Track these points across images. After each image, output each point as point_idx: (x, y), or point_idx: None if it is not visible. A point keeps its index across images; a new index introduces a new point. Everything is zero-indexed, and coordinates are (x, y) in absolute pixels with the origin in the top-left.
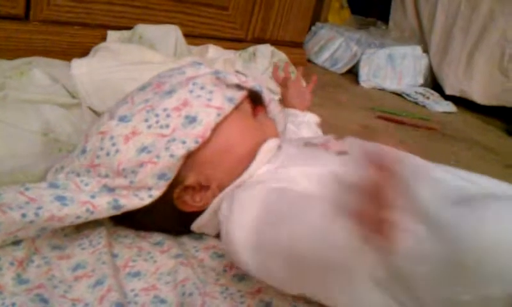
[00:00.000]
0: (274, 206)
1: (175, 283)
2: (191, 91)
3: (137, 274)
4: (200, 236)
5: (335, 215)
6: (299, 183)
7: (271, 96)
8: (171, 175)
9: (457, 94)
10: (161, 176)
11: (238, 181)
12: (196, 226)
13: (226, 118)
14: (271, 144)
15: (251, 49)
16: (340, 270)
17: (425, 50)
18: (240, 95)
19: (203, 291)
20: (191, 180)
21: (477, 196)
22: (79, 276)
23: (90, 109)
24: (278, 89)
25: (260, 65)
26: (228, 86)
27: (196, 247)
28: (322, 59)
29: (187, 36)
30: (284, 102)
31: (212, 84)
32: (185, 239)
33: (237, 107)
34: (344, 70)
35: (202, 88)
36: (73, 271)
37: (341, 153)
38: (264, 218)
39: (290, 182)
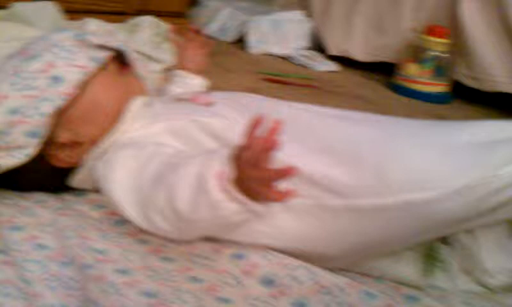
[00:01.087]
0: (147, 167)
1: (55, 231)
2: (56, 54)
3: (18, 228)
4: (82, 192)
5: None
6: (166, 140)
7: (135, 57)
8: (42, 133)
9: (339, 54)
10: (33, 135)
11: (109, 138)
12: (74, 182)
13: (92, 77)
14: (138, 101)
15: (133, 21)
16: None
17: (309, 15)
18: (104, 55)
19: (84, 235)
20: (63, 137)
21: None
22: None
23: None
24: (163, 57)
25: (143, 36)
26: (93, 47)
27: (78, 201)
28: (212, 29)
29: (66, 12)
30: (178, 64)
31: (75, 46)
32: (68, 196)
33: (103, 67)
34: (234, 38)
35: (66, 50)
36: None
37: (208, 104)
38: (139, 178)
39: (157, 140)
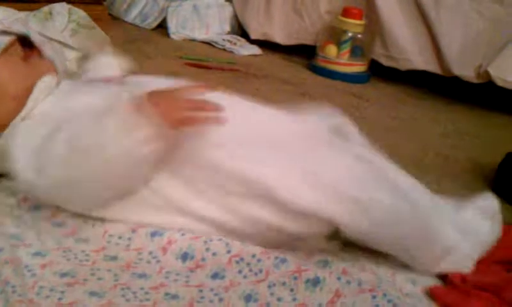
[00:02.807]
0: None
1: None
2: None
3: None
4: None
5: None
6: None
7: (42, 39)
8: None
9: (261, 38)
10: None
11: (16, 119)
12: None
13: None
14: (45, 80)
15: (46, 9)
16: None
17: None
18: (6, 40)
19: None
20: None
21: None
22: None
23: None
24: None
25: (58, 24)
26: None
27: None
28: (132, 16)
29: None
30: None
31: None
32: None
33: (6, 51)
34: (154, 24)
35: None
36: None
37: (121, 82)
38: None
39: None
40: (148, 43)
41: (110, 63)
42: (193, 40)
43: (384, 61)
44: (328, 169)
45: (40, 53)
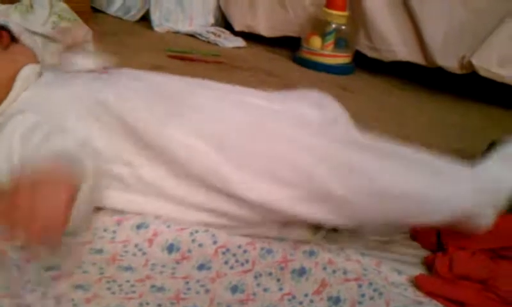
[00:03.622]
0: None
1: None
2: None
3: None
4: None
5: None
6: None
7: (20, 29)
8: None
9: (245, 29)
10: None
11: (1, 106)
12: None
13: None
14: (27, 70)
15: (27, 1)
16: None
17: None
18: None
19: None
20: None
21: None
22: None
23: None
24: (59, 37)
25: (40, 16)
26: None
27: None
28: (115, 8)
29: None
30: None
31: None
32: None
33: None
34: (137, 17)
35: None
36: None
37: (104, 72)
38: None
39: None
40: (131, 36)
41: (90, 58)
42: (177, 32)
43: (369, 52)
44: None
45: (20, 43)
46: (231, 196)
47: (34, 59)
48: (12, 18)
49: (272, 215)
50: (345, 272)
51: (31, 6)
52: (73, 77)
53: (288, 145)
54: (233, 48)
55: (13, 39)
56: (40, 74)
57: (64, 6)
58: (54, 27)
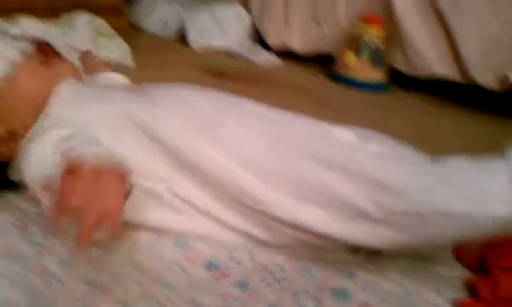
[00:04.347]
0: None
1: None
2: None
3: None
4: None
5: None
6: (91, 124)
7: (63, 45)
8: None
9: (279, 46)
10: None
11: (38, 123)
12: (14, 174)
13: (17, 67)
14: (65, 86)
15: (67, 17)
16: None
17: (248, 8)
18: (27, 46)
19: (25, 230)
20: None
21: None
22: None
23: None
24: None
25: (79, 32)
26: (15, 38)
27: (18, 197)
28: (151, 24)
29: None
30: None
31: None
32: (11, 196)
33: (27, 57)
34: (174, 34)
35: None
36: None
37: (139, 92)
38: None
39: (81, 125)
40: (167, 51)
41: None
42: (212, 48)
43: (404, 69)
44: None
45: (60, 59)
46: (266, 215)
47: (76, 75)
48: (53, 34)
49: (307, 236)
50: (385, 293)
51: (71, 23)
52: (109, 93)
53: (320, 165)
54: (267, 64)
55: (56, 55)
56: (78, 90)
57: (102, 22)
58: (92, 42)
